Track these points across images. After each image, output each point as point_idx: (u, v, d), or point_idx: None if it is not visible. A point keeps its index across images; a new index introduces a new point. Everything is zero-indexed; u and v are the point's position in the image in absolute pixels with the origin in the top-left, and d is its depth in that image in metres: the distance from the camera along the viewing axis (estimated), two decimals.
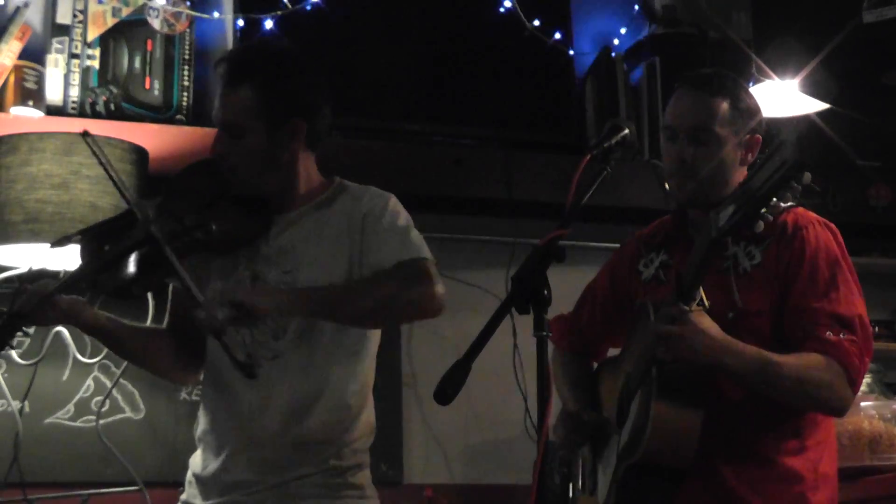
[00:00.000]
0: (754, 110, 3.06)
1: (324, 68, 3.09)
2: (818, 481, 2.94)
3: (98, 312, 3.02)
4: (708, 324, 2.73)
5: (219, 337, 2.77)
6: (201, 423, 3.07)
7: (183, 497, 3.07)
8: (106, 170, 2.95)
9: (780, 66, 4.26)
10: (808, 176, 2.41)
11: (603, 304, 3.31)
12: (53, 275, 3.66)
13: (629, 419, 2.95)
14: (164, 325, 3.19)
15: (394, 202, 3.05)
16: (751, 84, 4.40)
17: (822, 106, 4.40)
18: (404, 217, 3.03)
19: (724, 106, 3.02)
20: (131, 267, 2.88)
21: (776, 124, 4.61)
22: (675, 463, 2.84)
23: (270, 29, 4.40)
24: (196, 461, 3.06)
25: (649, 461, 2.85)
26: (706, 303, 2.70)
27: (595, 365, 3.41)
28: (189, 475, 3.07)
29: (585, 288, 3.40)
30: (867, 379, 4.74)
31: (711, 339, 2.73)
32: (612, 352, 3.41)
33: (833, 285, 2.91)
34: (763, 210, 2.48)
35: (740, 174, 3.02)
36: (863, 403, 4.39)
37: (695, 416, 2.82)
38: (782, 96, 4.37)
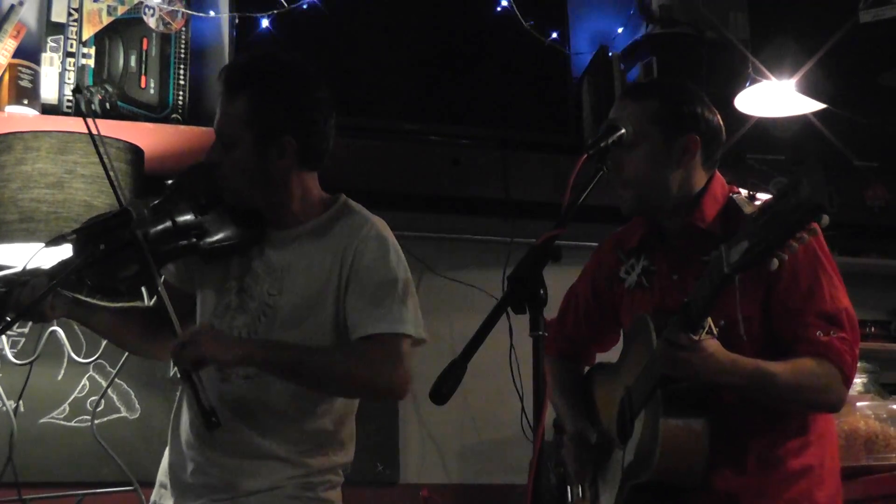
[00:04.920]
0: (690, 111, 3.00)
1: (321, 70, 3.05)
2: (824, 476, 2.93)
3: (71, 298, 2.97)
4: (714, 348, 2.70)
5: (186, 377, 2.79)
6: (177, 424, 3.05)
7: (153, 497, 3.08)
8: (105, 168, 2.93)
9: (777, 66, 4.25)
10: (826, 218, 2.38)
11: (586, 312, 3.30)
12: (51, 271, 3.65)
13: (633, 438, 2.94)
14: (151, 303, 3.18)
15: (393, 254, 2.97)
16: (747, 84, 4.40)
17: (819, 106, 4.39)
18: (397, 275, 2.95)
19: (649, 107, 2.98)
20: (118, 268, 2.87)
21: (775, 123, 4.62)
22: (685, 481, 2.83)
23: (266, 28, 4.39)
24: (165, 464, 3.06)
25: (659, 481, 2.84)
26: (714, 331, 2.66)
27: (585, 368, 3.40)
28: (160, 476, 3.07)
29: (566, 294, 3.37)
30: (863, 379, 4.74)
31: (715, 361, 2.71)
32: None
33: (816, 282, 2.89)
34: (778, 250, 2.42)
35: (680, 176, 2.99)
36: (858, 403, 4.39)
37: (703, 434, 2.81)
38: (779, 96, 4.37)
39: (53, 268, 2.90)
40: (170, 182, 3.08)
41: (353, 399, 3.03)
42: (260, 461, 2.90)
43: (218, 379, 2.92)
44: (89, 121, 2.96)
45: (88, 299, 3.07)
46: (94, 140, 2.96)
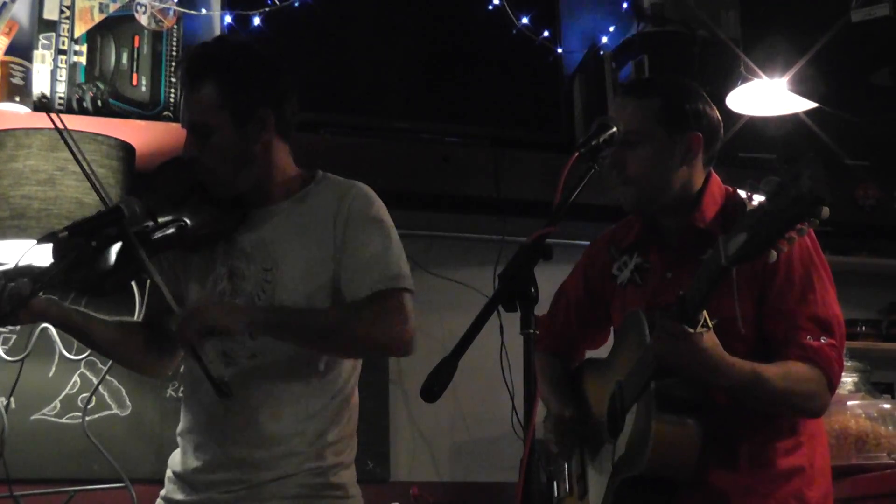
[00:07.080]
0: (693, 108, 3.01)
1: (305, 63, 3.05)
2: (814, 476, 2.94)
3: (68, 308, 2.98)
4: (708, 343, 2.69)
5: (192, 352, 2.79)
6: (182, 421, 3.06)
7: (162, 493, 3.06)
8: (82, 167, 2.92)
9: (769, 65, 4.25)
10: (825, 211, 2.38)
11: (577, 309, 3.30)
12: (36, 272, 3.64)
13: (625, 431, 2.93)
14: (141, 317, 3.17)
15: (378, 210, 3.00)
16: (739, 83, 4.40)
17: (811, 105, 4.40)
18: (386, 229, 2.98)
19: (652, 105, 2.98)
20: (103, 263, 2.85)
21: (766, 122, 4.62)
22: (678, 475, 2.83)
23: (258, 25, 4.39)
24: (176, 458, 3.05)
25: (651, 475, 2.84)
26: (710, 324, 2.65)
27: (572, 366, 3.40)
28: (169, 472, 3.05)
29: (558, 291, 3.37)
30: (854, 378, 4.74)
31: (710, 358, 2.70)
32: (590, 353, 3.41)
33: (809, 286, 2.90)
34: (778, 242, 2.42)
35: (683, 174, 3.00)
36: (849, 402, 4.39)
37: (695, 428, 2.81)
38: (770, 95, 4.37)
39: (42, 269, 2.88)
40: (146, 179, 3.08)
41: (356, 369, 3.04)
42: (268, 449, 2.89)
43: (223, 363, 2.92)
44: (54, 116, 2.94)
45: (78, 308, 3.06)
46: (66, 139, 2.94)
